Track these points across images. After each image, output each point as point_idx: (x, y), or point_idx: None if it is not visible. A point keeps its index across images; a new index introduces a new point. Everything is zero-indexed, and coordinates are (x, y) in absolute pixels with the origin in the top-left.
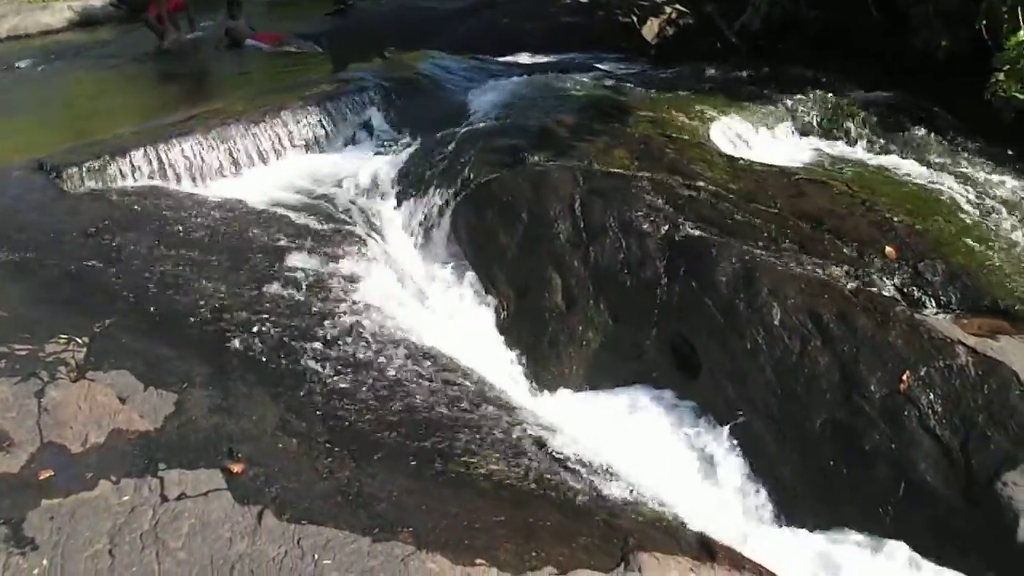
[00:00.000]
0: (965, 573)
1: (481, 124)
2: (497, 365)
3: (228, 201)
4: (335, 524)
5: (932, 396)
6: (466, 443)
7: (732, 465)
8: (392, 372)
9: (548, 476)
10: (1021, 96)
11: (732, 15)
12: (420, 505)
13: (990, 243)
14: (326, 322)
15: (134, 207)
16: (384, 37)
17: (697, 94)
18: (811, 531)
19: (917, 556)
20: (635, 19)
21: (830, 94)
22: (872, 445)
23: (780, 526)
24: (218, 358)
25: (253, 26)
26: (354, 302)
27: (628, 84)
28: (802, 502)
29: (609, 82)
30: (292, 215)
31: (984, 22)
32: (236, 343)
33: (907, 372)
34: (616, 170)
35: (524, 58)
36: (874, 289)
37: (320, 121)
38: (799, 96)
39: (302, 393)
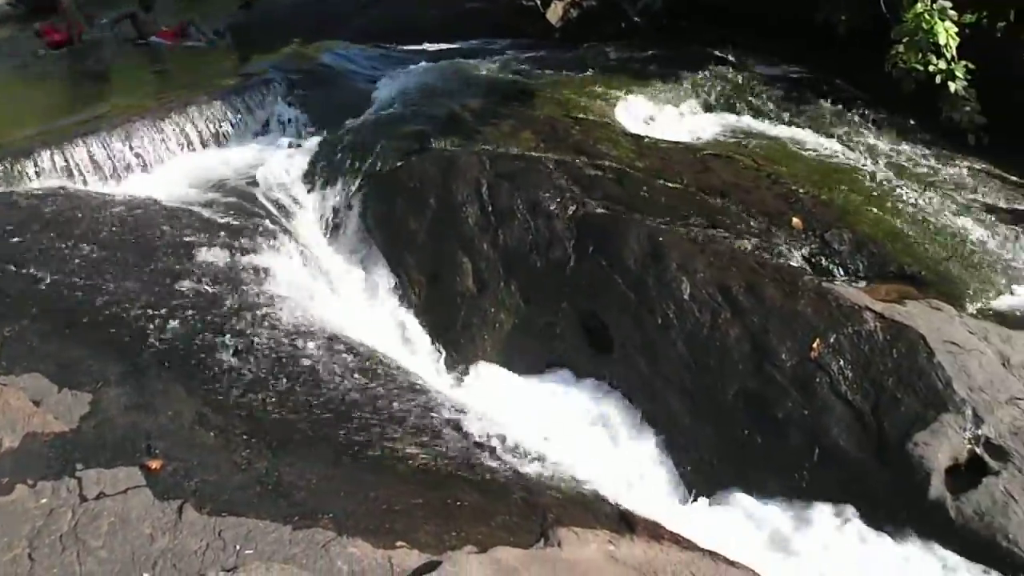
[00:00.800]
0: (880, 531)
1: (387, 112)
2: (411, 350)
3: (137, 199)
4: (256, 514)
5: (842, 362)
6: (383, 428)
7: (648, 438)
8: (307, 362)
9: (465, 457)
10: (921, 67)
11: None
12: (339, 491)
13: (895, 211)
14: (240, 315)
15: (42, 209)
16: (289, 29)
17: (602, 75)
18: (729, 500)
19: (833, 518)
20: (539, 3)
21: (734, 70)
22: (785, 413)
23: (698, 496)
24: (133, 356)
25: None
26: (267, 294)
27: (533, 67)
28: (718, 472)
29: (514, 66)
30: (202, 210)
31: None
32: (150, 340)
33: (817, 340)
34: (522, 152)
35: (428, 45)
36: (782, 260)
37: (227, 115)
38: (703, 73)
39: (218, 387)
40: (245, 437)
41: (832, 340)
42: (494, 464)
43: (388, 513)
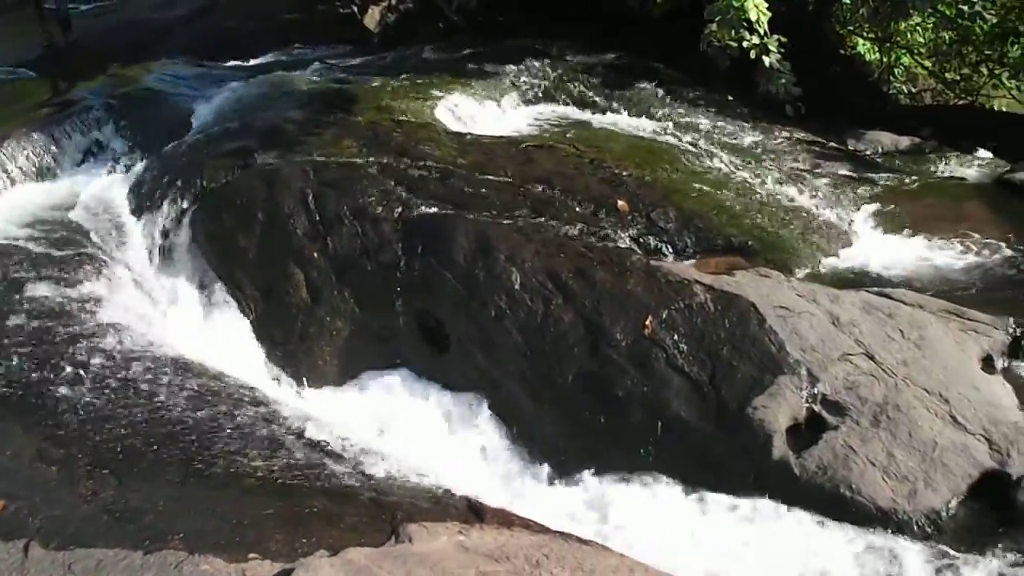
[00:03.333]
0: (729, 496)
1: (211, 130)
2: (252, 366)
3: None
4: (105, 543)
5: (676, 336)
6: (227, 445)
7: (493, 429)
8: (146, 386)
9: (312, 465)
10: (735, 43)
11: None
12: (188, 511)
13: (719, 185)
14: (74, 347)
15: None
16: (107, 54)
17: (421, 76)
18: (578, 481)
19: (682, 488)
20: (356, 9)
21: (553, 61)
22: (625, 391)
23: (548, 481)
24: None
25: None
26: (100, 323)
27: (353, 74)
28: (566, 455)
29: (334, 74)
30: (29, 245)
31: None
32: None
33: (649, 317)
34: (346, 160)
35: (249, 60)
36: (610, 243)
37: (48, 146)
38: (522, 66)
39: (57, 420)
40: (88, 468)
41: (664, 316)
42: (341, 469)
43: (238, 527)
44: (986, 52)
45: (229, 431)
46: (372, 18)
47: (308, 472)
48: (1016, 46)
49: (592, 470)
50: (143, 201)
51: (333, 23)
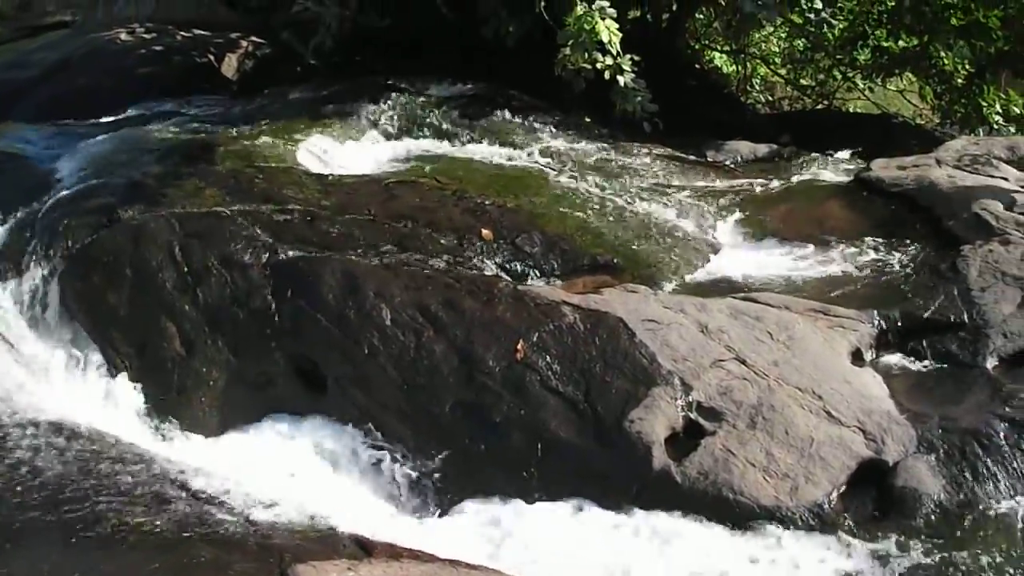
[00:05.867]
0: (615, 511)
1: (72, 190)
2: (131, 424)
3: None
4: None
5: (548, 358)
6: (110, 504)
7: (376, 466)
8: (24, 454)
9: (196, 516)
10: (589, 66)
11: (307, 37)
12: (73, 573)
13: (582, 206)
14: None
15: None
16: None
17: (281, 120)
18: (465, 510)
19: (567, 508)
20: (212, 58)
21: (411, 96)
22: (503, 416)
23: (435, 512)
24: None
25: None
26: None
27: (213, 123)
28: (451, 485)
29: (194, 125)
30: None
31: (544, 4)
32: None
33: (520, 341)
34: (210, 209)
35: (107, 116)
36: (476, 272)
37: None
38: (382, 104)
39: None
40: None
41: (535, 339)
42: (226, 517)
43: None
44: (838, 57)
45: (111, 491)
46: (229, 66)
47: (193, 523)
48: (866, 48)
49: (478, 497)
50: (9, 267)
51: (191, 74)
